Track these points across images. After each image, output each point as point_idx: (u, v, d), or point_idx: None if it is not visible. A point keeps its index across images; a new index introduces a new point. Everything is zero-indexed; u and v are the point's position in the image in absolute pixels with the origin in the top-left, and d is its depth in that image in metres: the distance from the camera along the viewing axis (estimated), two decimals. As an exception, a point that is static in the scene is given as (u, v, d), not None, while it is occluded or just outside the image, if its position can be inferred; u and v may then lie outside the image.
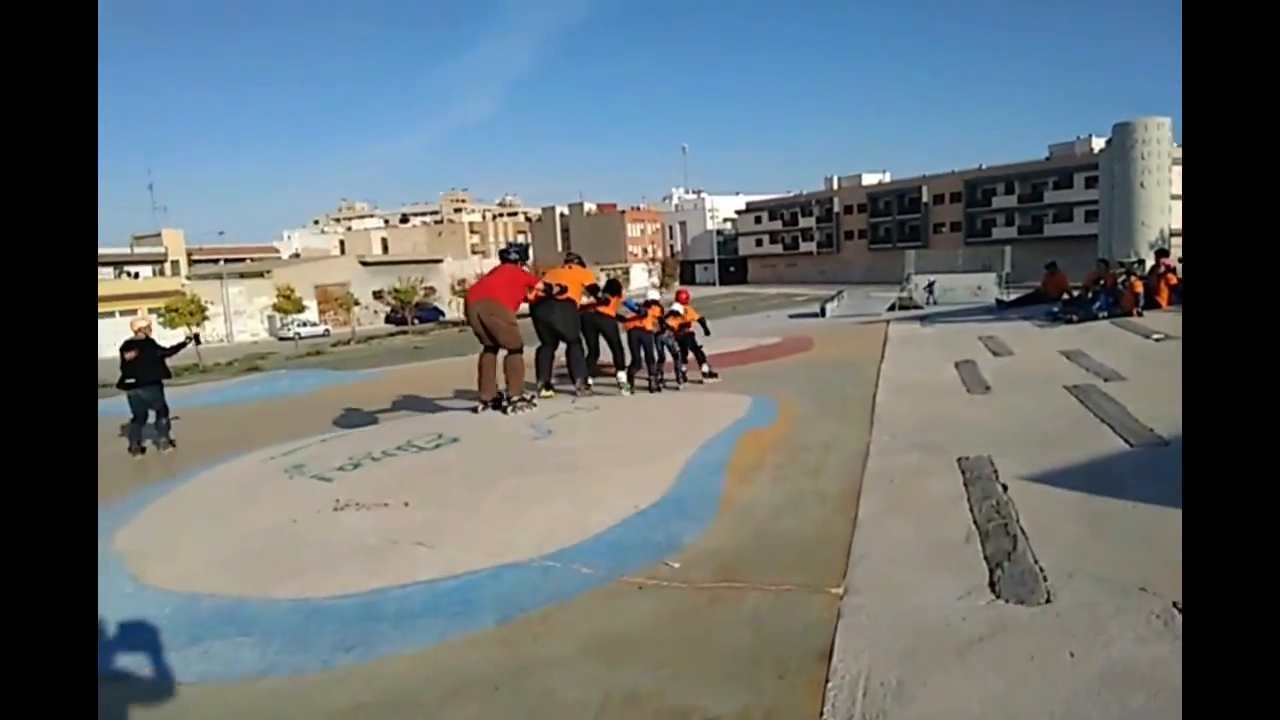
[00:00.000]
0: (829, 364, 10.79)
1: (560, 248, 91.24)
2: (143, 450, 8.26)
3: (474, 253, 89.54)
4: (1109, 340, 9.81)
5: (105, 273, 43.80)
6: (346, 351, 37.51)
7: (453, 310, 53.29)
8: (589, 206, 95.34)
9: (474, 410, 7.31)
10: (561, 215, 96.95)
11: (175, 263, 52.94)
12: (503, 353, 7.22)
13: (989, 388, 7.75)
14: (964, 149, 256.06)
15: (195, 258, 64.25)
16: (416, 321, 48.74)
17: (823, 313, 24.77)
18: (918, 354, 10.80)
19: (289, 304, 41.90)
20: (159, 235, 54.22)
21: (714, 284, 75.12)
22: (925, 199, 68.45)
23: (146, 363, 8.32)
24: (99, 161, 1.92)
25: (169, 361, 8.68)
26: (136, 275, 47.52)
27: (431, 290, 54.12)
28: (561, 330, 7.85)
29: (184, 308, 33.01)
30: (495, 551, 4.22)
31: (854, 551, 3.91)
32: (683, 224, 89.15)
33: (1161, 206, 15.44)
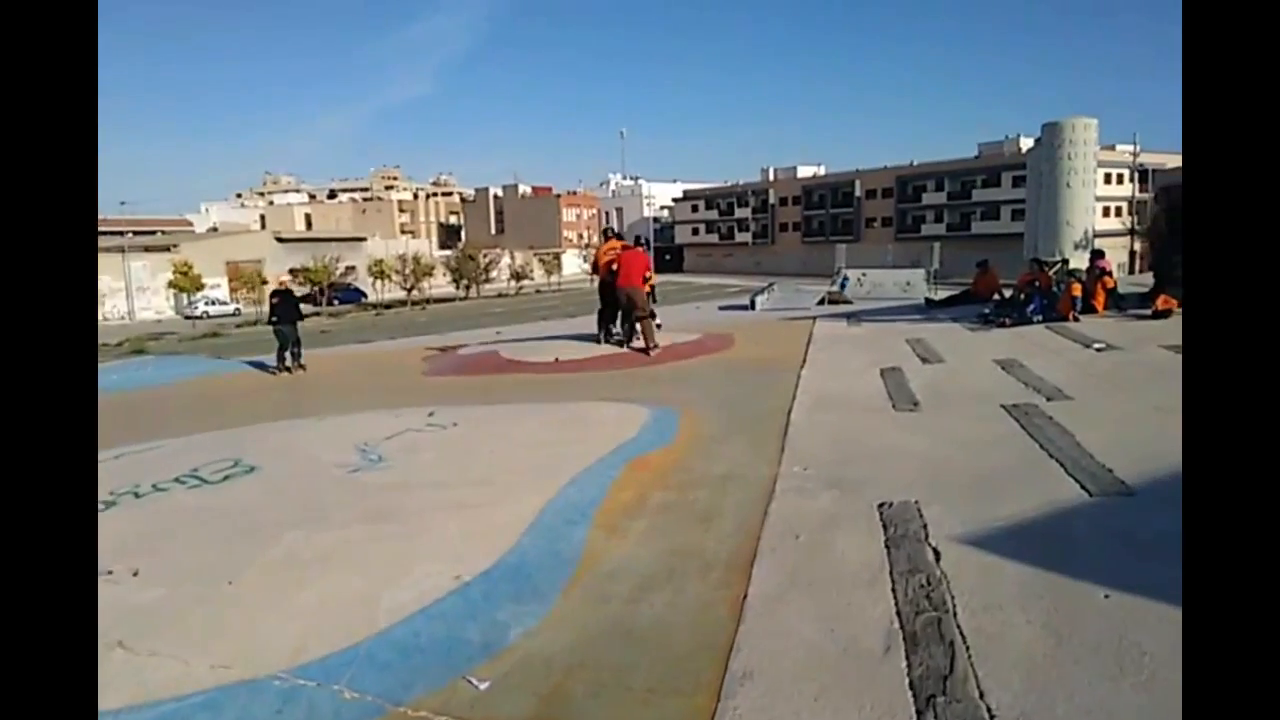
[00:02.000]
0: (747, 367, 9.75)
1: (494, 230, 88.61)
2: (288, 370, 11.37)
3: (403, 232, 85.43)
4: (1047, 349, 9.02)
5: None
6: (247, 334, 34.86)
7: (375, 292, 50.46)
8: (524, 189, 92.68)
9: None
10: (496, 197, 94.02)
11: (78, 234, 48.90)
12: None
13: (917, 403, 6.79)
14: (897, 145, 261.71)
15: (102, 229, 59.55)
16: (336, 303, 45.71)
17: (752, 305, 23.90)
18: (842, 358, 9.86)
19: (186, 281, 38.46)
20: (59, 205, 50.09)
21: (649, 272, 73.70)
22: (858, 193, 68.61)
23: (287, 306, 11.64)
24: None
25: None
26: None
27: (351, 270, 51.09)
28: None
29: (64, 282, 29.62)
30: (229, 658, 2.94)
31: (733, 664, 2.79)
32: (619, 210, 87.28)
33: (1087, 206, 15.09)
